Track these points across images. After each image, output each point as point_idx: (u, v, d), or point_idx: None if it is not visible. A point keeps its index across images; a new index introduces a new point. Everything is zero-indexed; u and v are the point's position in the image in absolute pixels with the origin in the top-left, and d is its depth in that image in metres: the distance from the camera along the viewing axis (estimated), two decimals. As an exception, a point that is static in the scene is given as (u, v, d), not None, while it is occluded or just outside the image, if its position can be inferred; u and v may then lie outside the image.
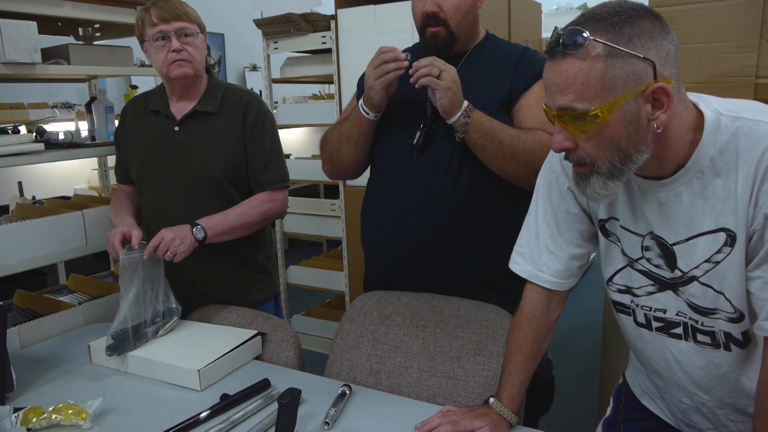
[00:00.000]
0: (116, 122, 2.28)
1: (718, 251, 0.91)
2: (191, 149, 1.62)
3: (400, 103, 1.47)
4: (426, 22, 1.41)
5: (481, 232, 1.43)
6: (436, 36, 1.41)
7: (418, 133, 1.42)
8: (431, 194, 1.42)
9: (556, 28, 0.84)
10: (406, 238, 1.46)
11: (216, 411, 1.17)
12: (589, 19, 0.83)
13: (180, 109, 1.65)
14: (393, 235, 1.49)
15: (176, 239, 1.45)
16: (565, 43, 0.82)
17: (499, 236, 1.41)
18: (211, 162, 1.61)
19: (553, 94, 0.86)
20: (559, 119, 0.87)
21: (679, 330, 1.01)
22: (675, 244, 0.96)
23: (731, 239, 0.90)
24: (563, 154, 0.93)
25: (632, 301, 1.06)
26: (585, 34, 0.81)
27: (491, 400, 1.13)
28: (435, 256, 1.45)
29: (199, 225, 1.51)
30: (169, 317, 1.49)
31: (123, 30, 2.32)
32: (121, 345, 1.38)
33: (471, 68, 1.46)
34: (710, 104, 0.90)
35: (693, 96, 0.92)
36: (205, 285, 1.67)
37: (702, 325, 0.98)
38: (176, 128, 1.63)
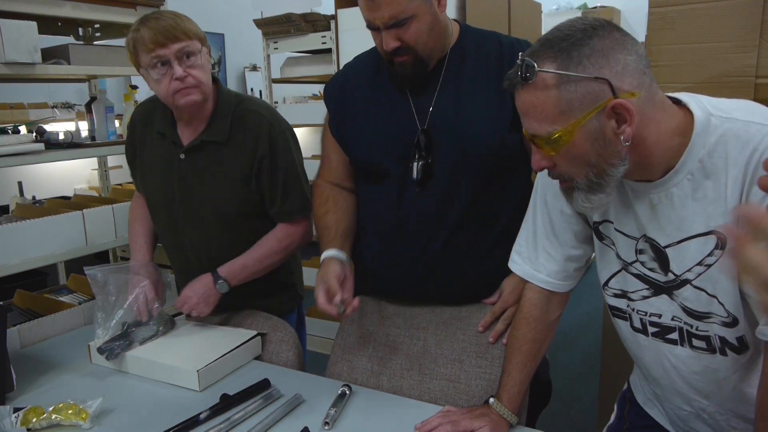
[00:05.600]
0: (117, 123, 2.29)
1: (710, 254, 0.91)
2: (198, 184, 1.49)
3: (390, 133, 1.34)
4: (390, 55, 1.28)
5: (484, 255, 1.36)
6: (404, 65, 1.28)
7: (416, 166, 1.31)
8: (433, 225, 1.33)
9: (519, 57, 0.88)
10: (408, 266, 1.37)
11: (216, 411, 1.17)
12: (543, 45, 0.86)
13: (187, 133, 1.50)
14: (395, 264, 1.39)
15: (200, 303, 1.45)
16: (520, 75, 0.86)
17: (502, 260, 1.30)
18: (220, 198, 1.49)
19: (522, 120, 0.91)
20: (532, 142, 0.91)
21: (674, 335, 1.01)
22: (667, 246, 0.95)
23: (722, 242, 0.89)
24: None
25: (628, 306, 1.06)
26: (534, 67, 0.84)
27: (491, 400, 1.13)
28: (437, 282, 1.38)
29: (221, 279, 1.46)
30: (158, 323, 1.49)
31: (123, 30, 2.32)
32: (115, 350, 1.38)
33: (457, 74, 1.32)
34: (702, 104, 0.90)
35: (686, 96, 0.92)
36: (227, 307, 1.57)
37: (697, 329, 0.97)
38: (182, 156, 1.49)
